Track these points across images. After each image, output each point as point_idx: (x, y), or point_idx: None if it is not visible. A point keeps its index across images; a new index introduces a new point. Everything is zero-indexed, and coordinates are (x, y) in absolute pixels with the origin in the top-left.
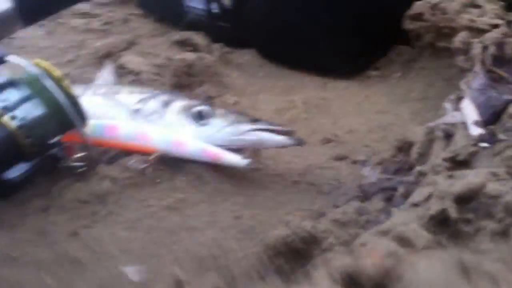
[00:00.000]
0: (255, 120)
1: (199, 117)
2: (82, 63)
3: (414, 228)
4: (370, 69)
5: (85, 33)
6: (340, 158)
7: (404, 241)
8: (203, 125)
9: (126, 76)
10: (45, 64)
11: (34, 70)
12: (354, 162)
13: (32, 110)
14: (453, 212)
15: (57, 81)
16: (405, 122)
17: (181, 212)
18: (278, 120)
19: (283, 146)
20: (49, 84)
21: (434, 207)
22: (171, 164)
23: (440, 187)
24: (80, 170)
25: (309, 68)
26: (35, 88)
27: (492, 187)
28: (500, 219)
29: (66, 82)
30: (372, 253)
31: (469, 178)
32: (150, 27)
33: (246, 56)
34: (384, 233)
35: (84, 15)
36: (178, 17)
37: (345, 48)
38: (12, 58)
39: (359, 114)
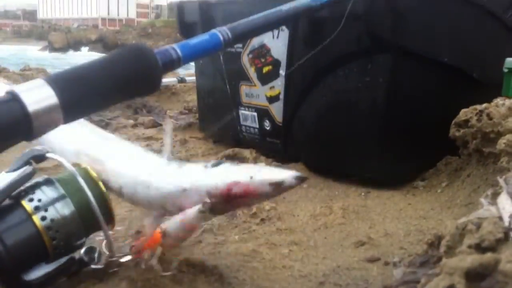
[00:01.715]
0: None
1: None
2: None
3: None
4: (416, 180)
5: None
6: (372, 260)
7: None
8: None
9: None
10: (84, 165)
11: (71, 169)
12: (387, 263)
13: (62, 210)
14: None
15: (93, 183)
16: None
17: None
18: (312, 226)
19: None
20: (82, 185)
21: (441, 283)
22: (195, 265)
23: (449, 263)
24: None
25: (354, 179)
26: (68, 188)
27: (510, 265)
28: None
29: (101, 186)
30: None
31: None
32: (206, 147)
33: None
34: None
35: (148, 139)
36: (234, 137)
37: (391, 159)
38: (51, 155)
39: (398, 219)
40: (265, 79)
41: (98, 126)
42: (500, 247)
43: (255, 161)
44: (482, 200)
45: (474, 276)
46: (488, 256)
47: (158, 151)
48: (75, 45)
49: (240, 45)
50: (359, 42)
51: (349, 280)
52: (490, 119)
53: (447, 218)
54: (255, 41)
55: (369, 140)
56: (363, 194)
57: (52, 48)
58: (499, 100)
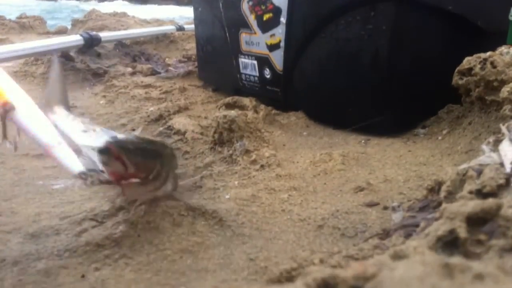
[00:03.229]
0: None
1: None
2: (133, 125)
3: (413, 245)
4: (417, 128)
5: (143, 101)
6: (371, 204)
7: (399, 256)
8: None
9: (172, 136)
10: None
11: None
12: (385, 208)
13: None
14: (462, 232)
15: None
16: None
17: (195, 255)
18: (312, 172)
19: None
20: None
21: (442, 227)
22: (194, 209)
23: (451, 208)
24: None
25: (354, 127)
26: None
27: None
28: None
29: None
30: (358, 264)
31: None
32: (206, 95)
33: (292, 118)
34: (384, 253)
35: (146, 86)
36: (233, 85)
37: (393, 107)
38: None
39: (398, 165)
40: (265, 26)
41: (97, 73)
42: (501, 192)
43: (255, 109)
44: (484, 147)
45: (475, 221)
46: (490, 201)
47: (157, 99)
48: None
49: None
50: None
51: (348, 223)
52: (494, 67)
53: (447, 165)
54: None
55: (371, 89)
56: (363, 141)
57: None
58: (503, 49)
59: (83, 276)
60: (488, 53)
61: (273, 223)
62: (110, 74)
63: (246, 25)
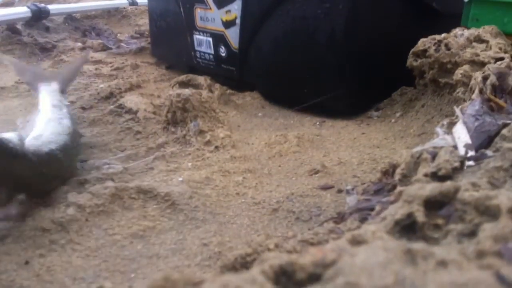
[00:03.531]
0: None
1: None
2: (82, 103)
3: (372, 229)
4: (371, 110)
5: (93, 77)
6: (326, 187)
7: (357, 241)
8: None
9: (123, 115)
10: None
11: None
12: (340, 191)
13: None
14: (420, 216)
15: None
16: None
17: (146, 240)
18: (267, 154)
19: None
20: None
21: (400, 211)
22: (146, 192)
23: (408, 191)
24: None
25: (309, 108)
26: None
27: (469, 193)
28: (470, 219)
29: None
30: (316, 250)
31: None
32: (159, 73)
33: (248, 98)
34: (339, 237)
35: (96, 62)
36: (187, 63)
37: (346, 88)
38: None
39: (352, 148)
40: (221, 2)
41: (44, 48)
42: (456, 176)
43: (210, 88)
44: (438, 129)
45: (433, 204)
46: (448, 184)
47: (107, 76)
48: None
49: None
50: None
51: (303, 207)
52: (448, 49)
53: (400, 148)
54: None
55: (326, 69)
56: (318, 123)
57: None
58: (458, 31)
59: (27, 262)
60: (443, 35)
61: (227, 207)
62: (59, 49)
63: (201, 0)
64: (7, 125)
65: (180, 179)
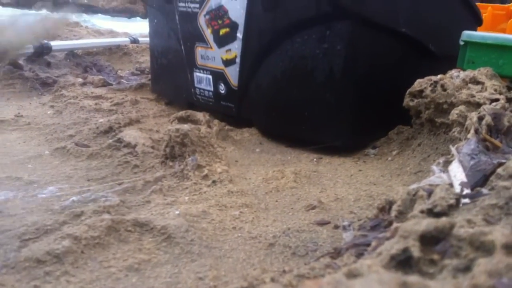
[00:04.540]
0: None
1: None
2: (81, 137)
3: (367, 263)
4: (368, 148)
5: (93, 112)
6: (322, 223)
7: (353, 275)
8: None
9: (122, 149)
10: None
11: None
12: (337, 227)
13: None
14: (416, 251)
15: None
16: None
17: (142, 273)
18: (264, 189)
19: None
20: None
21: (396, 246)
22: (142, 225)
23: (404, 226)
24: None
25: (307, 145)
26: None
27: (464, 229)
28: (465, 255)
29: None
30: (313, 283)
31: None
32: (158, 108)
33: (246, 134)
34: (336, 272)
35: (96, 98)
36: (187, 99)
37: (343, 126)
38: None
39: (348, 184)
40: (221, 41)
41: (45, 82)
42: (452, 212)
43: (208, 124)
44: (434, 167)
45: (429, 239)
46: (443, 220)
47: (107, 111)
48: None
49: (197, 5)
50: (319, 8)
51: (299, 242)
52: (444, 90)
53: (397, 185)
54: (213, 2)
55: (324, 108)
56: (315, 159)
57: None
58: (453, 72)
59: None
60: (439, 76)
61: (224, 241)
62: (60, 84)
63: (202, 39)
64: (5, 157)
65: (177, 212)
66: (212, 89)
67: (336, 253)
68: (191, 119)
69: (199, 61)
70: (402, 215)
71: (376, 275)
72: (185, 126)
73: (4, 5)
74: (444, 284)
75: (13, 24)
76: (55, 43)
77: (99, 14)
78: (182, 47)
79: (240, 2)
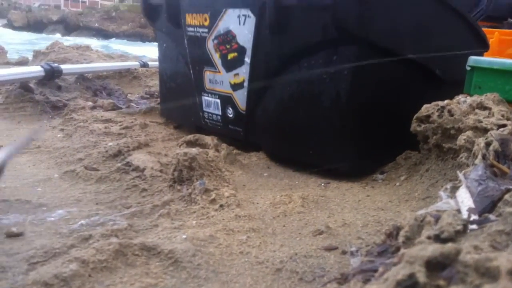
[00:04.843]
0: None
1: None
2: (90, 160)
3: None
4: (376, 173)
5: (102, 135)
6: (330, 248)
7: None
8: None
9: (130, 172)
10: None
11: None
12: (344, 252)
13: None
14: (421, 277)
15: None
16: None
17: None
18: (271, 214)
19: None
20: None
21: (402, 271)
22: (149, 249)
23: (410, 252)
24: None
25: (314, 170)
26: None
27: (470, 255)
28: (471, 281)
29: None
30: None
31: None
32: (167, 132)
33: (254, 158)
34: None
35: (106, 121)
36: (195, 123)
37: (352, 151)
38: None
39: (356, 210)
40: (229, 65)
41: (56, 106)
42: (459, 238)
43: (216, 148)
44: (441, 193)
45: (435, 265)
46: (449, 246)
47: (116, 135)
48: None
49: (205, 30)
50: (326, 33)
51: (306, 267)
52: (451, 115)
53: (405, 211)
54: (221, 27)
55: (331, 132)
56: (322, 184)
57: (12, 27)
58: (460, 97)
59: None
60: (446, 101)
61: (230, 266)
62: (70, 107)
63: (210, 63)
64: (15, 180)
65: (184, 236)
66: (220, 113)
67: (343, 279)
68: (200, 143)
69: (207, 85)
70: (409, 241)
71: None
72: (193, 150)
73: (16, 28)
74: None
75: None
76: (65, 67)
77: (113, 38)
78: (191, 71)
79: (248, 27)
